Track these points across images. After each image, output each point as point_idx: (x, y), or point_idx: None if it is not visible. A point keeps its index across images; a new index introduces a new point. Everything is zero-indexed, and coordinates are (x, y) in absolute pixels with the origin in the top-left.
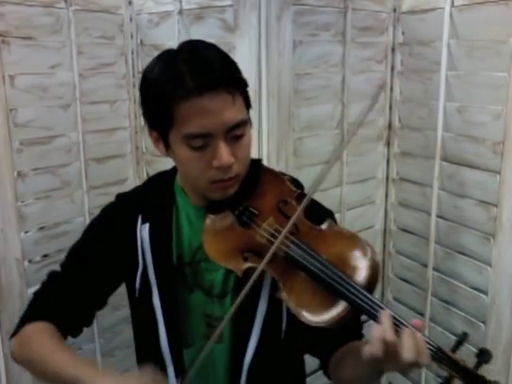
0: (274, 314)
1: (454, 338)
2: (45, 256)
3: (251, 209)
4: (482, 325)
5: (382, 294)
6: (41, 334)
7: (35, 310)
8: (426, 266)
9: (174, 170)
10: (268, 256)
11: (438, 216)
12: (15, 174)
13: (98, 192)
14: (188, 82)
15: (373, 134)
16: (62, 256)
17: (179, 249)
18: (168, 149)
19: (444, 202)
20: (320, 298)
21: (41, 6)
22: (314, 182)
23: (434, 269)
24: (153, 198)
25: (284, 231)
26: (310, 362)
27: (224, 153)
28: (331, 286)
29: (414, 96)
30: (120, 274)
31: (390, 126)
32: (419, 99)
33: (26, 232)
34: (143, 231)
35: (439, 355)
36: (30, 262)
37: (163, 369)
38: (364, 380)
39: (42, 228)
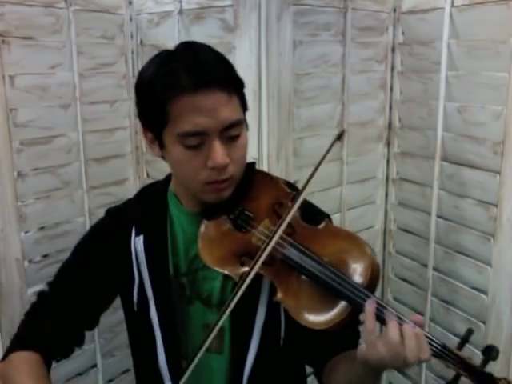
0: (273, 320)
1: (454, 337)
2: (45, 256)
3: (247, 212)
4: (482, 325)
5: (382, 294)
6: (21, 370)
7: (23, 337)
8: (426, 266)
9: (165, 180)
10: (262, 255)
11: (438, 216)
12: (15, 174)
13: (98, 192)
14: (182, 79)
15: (373, 134)
16: (62, 256)
17: (175, 259)
18: (163, 150)
19: (444, 202)
20: (320, 299)
21: (41, 5)
22: (306, 181)
23: (434, 269)
24: (145, 209)
25: (278, 230)
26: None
27: (219, 152)
28: (331, 287)
29: (414, 96)
30: (113, 290)
31: (390, 126)
32: (419, 99)
33: (26, 232)
34: (137, 244)
35: (444, 352)
36: (30, 262)
37: (162, 383)
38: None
39: (42, 228)
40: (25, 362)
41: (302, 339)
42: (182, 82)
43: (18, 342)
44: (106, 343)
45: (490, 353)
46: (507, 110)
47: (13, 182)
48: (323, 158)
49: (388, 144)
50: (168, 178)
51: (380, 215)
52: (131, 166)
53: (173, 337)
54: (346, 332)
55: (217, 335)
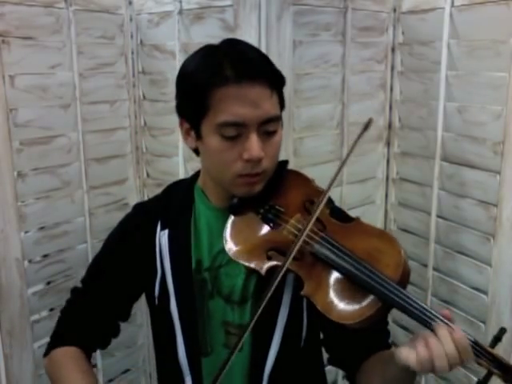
0: (295, 320)
1: None
2: (45, 256)
3: (277, 207)
4: (482, 325)
5: None
6: (67, 366)
7: (62, 332)
8: (426, 266)
9: (193, 176)
10: (295, 247)
11: (438, 216)
12: (15, 174)
13: (97, 192)
14: (227, 70)
15: (373, 134)
16: (62, 256)
17: (198, 254)
18: (198, 141)
19: (444, 202)
20: (349, 294)
21: (41, 5)
22: (332, 177)
23: (434, 269)
24: (171, 203)
25: (312, 219)
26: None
27: (255, 145)
28: (361, 281)
29: (414, 96)
30: (140, 283)
31: (390, 126)
32: (419, 99)
33: (26, 232)
34: (162, 237)
35: (477, 349)
36: (29, 262)
37: (181, 379)
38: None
39: (42, 228)
40: (68, 358)
41: (332, 341)
42: (227, 73)
43: (58, 338)
44: None
45: None
46: (507, 110)
47: (13, 181)
48: (351, 151)
49: (388, 144)
50: (195, 175)
51: (380, 215)
52: (131, 165)
53: (192, 332)
54: (376, 333)
55: (236, 333)
